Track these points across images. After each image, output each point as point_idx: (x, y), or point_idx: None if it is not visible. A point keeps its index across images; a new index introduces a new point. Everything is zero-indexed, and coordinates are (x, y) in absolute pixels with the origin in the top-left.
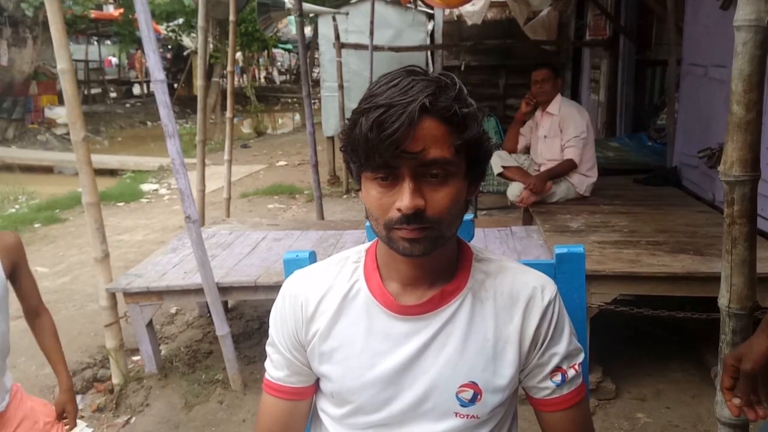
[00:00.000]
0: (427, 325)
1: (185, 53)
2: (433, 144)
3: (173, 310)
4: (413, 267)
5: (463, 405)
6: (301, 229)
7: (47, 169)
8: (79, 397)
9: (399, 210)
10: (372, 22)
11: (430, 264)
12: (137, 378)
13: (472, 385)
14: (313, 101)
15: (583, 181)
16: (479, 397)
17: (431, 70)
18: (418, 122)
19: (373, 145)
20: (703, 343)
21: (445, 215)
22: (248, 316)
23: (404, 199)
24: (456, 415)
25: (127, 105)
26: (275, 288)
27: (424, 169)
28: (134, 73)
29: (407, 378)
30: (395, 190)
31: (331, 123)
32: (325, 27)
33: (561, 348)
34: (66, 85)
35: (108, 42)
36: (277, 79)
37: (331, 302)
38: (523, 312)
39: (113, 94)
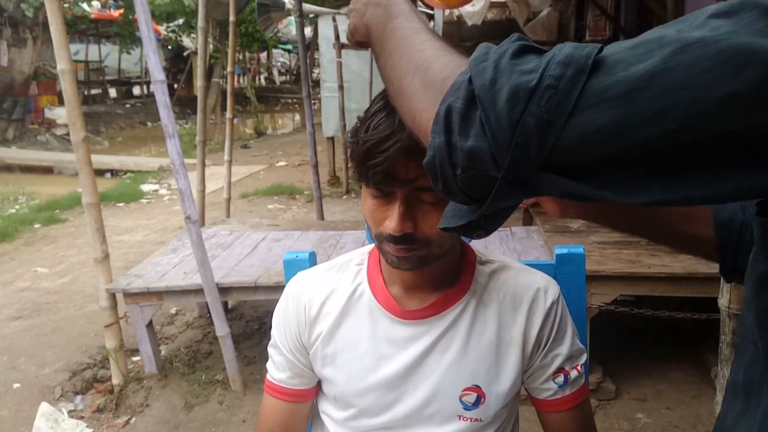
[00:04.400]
0: (430, 329)
1: (185, 54)
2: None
3: (173, 311)
4: (414, 274)
5: (467, 408)
6: (301, 229)
7: (47, 170)
8: (79, 398)
9: (388, 229)
10: None
11: (432, 270)
12: (137, 378)
13: (476, 388)
14: (313, 102)
15: None
16: (483, 400)
17: None
18: (412, 151)
19: (367, 169)
20: (703, 343)
21: (435, 238)
22: (248, 316)
23: (392, 221)
24: (459, 419)
25: (127, 105)
26: (275, 288)
27: (417, 193)
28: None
29: (410, 382)
30: (388, 206)
31: (331, 123)
32: (325, 27)
33: (564, 349)
34: (66, 85)
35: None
36: (277, 79)
37: (335, 304)
38: (526, 314)
39: (113, 95)
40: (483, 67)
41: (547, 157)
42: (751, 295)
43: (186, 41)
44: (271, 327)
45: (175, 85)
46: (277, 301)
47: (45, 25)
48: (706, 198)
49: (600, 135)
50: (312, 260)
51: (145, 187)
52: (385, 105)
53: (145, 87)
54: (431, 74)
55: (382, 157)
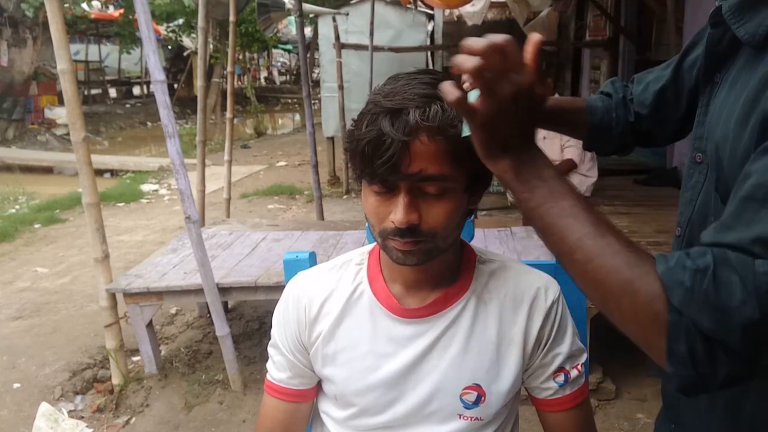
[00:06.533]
0: (430, 328)
1: (185, 54)
2: (429, 162)
3: (173, 311)
4: (415, 271)
5: (467, 407)
6: (301, 229)
7: (47, 170)
8: (79, 398)
9: (393, 222)
10: (372, 23)
11: (433, 268)
12: (137, 378)
13: (476, 387)
14: (313, 102)
15: (583, 181)
16: (483, 399)
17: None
18: (412, 142)
19: (369, 163)
20: None
21: (440, 229)
22: (248, 316)
23: (398, 213)
24: (460, 417)
25: (127, 105)
26: (275, 288)
27: (420, 184)
28: None
29: (411, 380)
30: (392, 200)
31: (331, 123)
32: (325, 27)
33: (564, 348)
34: (66, 85)
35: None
36: (277, 79)
37: (335, 304)
38: (527, 313)
39: (113, 95)
40: (696, 309)
41: None
42: None
43: (186, 41)
44: (271, 327)
45: (175, 85)
46: (277, 301)
47: (45, 25)
48: None
49: None
50: (312, 260)
51: (145, 187)
52: (388, 92)
53: (145, 87)
54: (639, 298)
55: (391, 151)
